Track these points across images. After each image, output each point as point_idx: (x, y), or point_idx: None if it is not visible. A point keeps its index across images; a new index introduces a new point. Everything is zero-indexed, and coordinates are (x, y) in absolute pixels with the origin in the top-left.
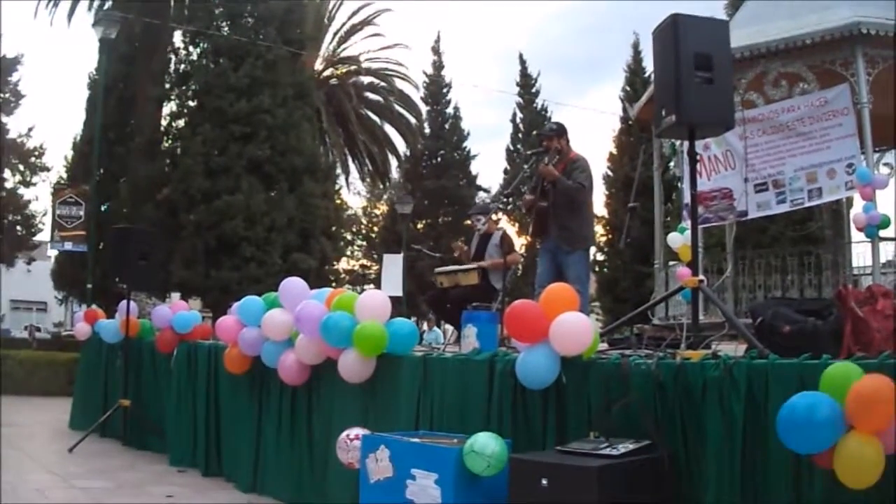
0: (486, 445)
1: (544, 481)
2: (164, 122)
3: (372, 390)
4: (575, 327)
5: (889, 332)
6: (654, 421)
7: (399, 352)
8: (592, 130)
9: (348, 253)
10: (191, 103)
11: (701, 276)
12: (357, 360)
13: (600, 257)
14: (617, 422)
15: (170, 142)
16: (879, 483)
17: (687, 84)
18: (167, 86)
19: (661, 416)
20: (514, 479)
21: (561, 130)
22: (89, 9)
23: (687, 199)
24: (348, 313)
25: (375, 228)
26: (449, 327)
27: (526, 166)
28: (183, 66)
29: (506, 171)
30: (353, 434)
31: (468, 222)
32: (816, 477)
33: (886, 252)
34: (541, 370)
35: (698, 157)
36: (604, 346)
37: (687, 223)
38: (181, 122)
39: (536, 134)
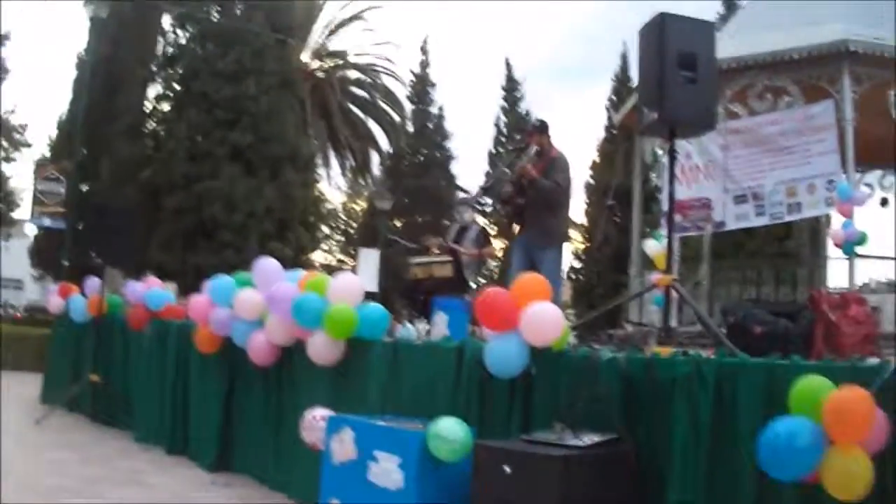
0: (450, 431)
1: (507, 469)
2: (148, 105)
3: (341, 374)
4: (546, 317)
5: (860, 338)
6: (621, 415)
7: (369, 336)
8: (576, 138)
9: (325, 247)
10: (176, 87)
11: (675, 276)
12: (326, 343)
13: (576, 264)
14: (584, 415)
15: (154, 124)
16: None
17: (670, 82)
18: (154, 68)
19: (628, 410)
20: (478, 466)
21: (543, 127)
22: None
23: (665, 200)
24: (320, 295)
25: (354, 224)
26: (421, 326)
27: (503, 166)
28: (171, 49)
29: (487, 175)
30: (319, 415)
31: (447, 223)
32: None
33: (864, 271)
34: (509, 359)
35: (680, 166)
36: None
37: (664, 231)
38: (166, 106)
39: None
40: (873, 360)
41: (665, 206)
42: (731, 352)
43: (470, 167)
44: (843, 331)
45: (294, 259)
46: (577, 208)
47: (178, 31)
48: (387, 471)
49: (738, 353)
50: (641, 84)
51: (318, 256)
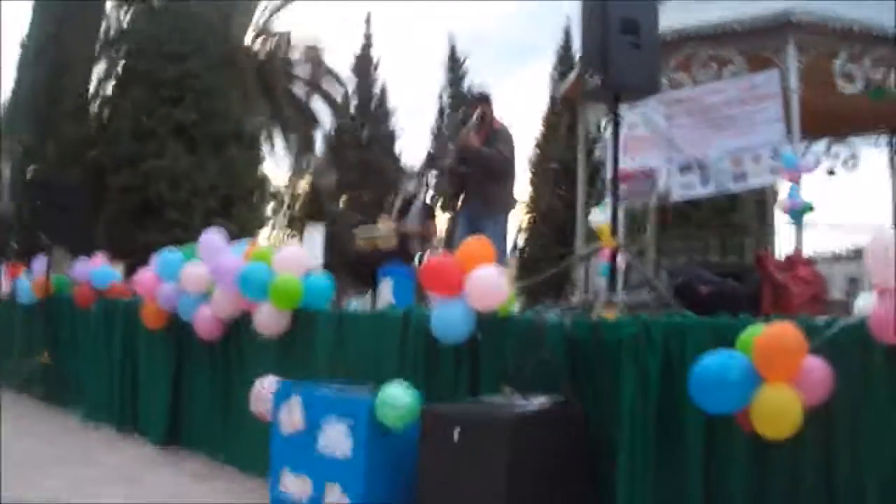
0: (398, 396)
1: (456, 432)
2: (93, 85)
3: (288, 345)
4: (490, 282)
5: (808, 298)
6: (568, 378)
7: (315, 306)
8: (520, 113)
9: (270, 224)
10: (121, 66)
11: (620, 240)
12: (273, 314)
13: (521, 239)
14: (531, 378)
15: (98, 104)
16: (798, 441)
17: (614, 46)
18: (98, 48)
19: (575, 373)
20: (426, 430)
21: (485, 98)
22: None
23: (609, 167)
24: (266, 266)
25: (298, 204)
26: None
27: (446, 138)
28: (114, 28)
29: (429, 149)
30: (268, 383)
31: (391, 199)
32: (733, 437)
33: (810, 244)
34: (455, 325)
35: (624, 137)
36: None
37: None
38: (110, 85)
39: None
40: (821, 318)
41: (609, 173)
42: (678, 312)
43: (414, 143)
44: (791, 291)
45: (239, 236)
46: (521, 182)
47: (122, 11)
48: (335, 440)
49: (685, 313)
50: (584, 49)
51: (262, 234)
